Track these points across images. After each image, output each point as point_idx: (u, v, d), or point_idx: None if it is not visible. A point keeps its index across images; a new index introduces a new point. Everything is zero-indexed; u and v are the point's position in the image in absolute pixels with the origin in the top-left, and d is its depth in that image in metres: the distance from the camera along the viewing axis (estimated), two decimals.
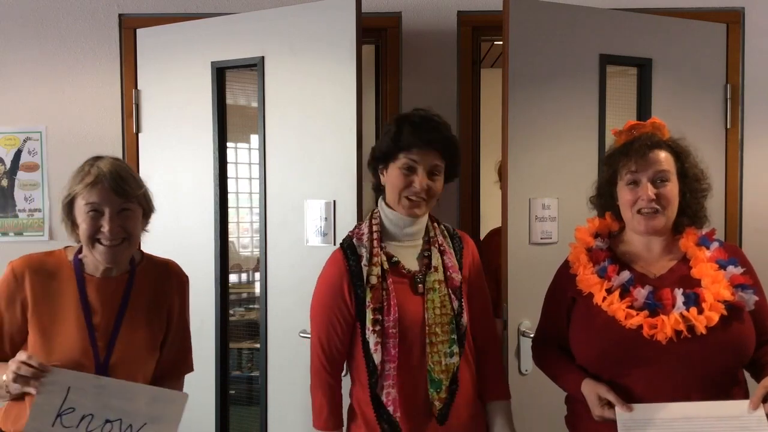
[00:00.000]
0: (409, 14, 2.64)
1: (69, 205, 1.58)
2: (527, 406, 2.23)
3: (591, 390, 1.51)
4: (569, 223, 2.33)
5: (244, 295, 4.29)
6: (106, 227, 1.54)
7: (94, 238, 1.55)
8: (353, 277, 1.65)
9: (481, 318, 1.78)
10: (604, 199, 1.68)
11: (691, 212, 1.59)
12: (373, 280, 1.63)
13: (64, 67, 2.70)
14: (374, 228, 1.69)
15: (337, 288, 1.67)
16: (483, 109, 2.74)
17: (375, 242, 1.67)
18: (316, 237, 2.31)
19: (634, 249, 1.62)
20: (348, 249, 1.69)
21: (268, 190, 2.42)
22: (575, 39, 2.35)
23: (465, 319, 1.69)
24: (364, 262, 1.65)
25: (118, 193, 1.55)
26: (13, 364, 1.42)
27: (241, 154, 3.90)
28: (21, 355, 1.43)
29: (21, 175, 2.72)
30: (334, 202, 2.28)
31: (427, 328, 1.62)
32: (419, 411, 1.62)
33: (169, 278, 1.73)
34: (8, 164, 2.72)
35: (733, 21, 2.59)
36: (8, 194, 2.72)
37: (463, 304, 1.69)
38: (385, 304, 1.62)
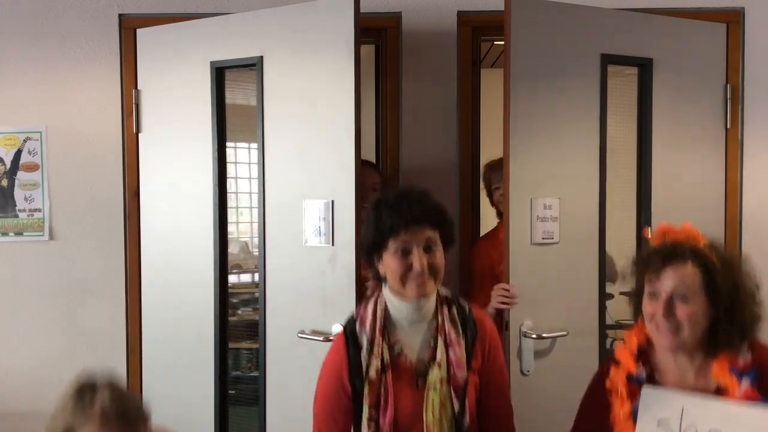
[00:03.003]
0: (409, 14, 2.64)
1: None
2: (528, 406, 2.22)
3: None
4: (571, 223, 2.34)
5: (246, 296, 4.30)
6: None
7: None
8: (352, 369, 1.60)
9: (495, 415, 1.67)
10: (637, 301, 1.54)
11: (723, 332, 1.42)
12: (372, 373, 1.57)
13: (64, 67, 2.70)
14: (378, 313, 1.62)
15: (337, 379, 1.62)
16: (483, 109, 2.74)
17: (378, 330, 1.60)
18: (315, 237, 2.30)
19: (665, 364, 1.51)
20: (350, 336, 1.63)
21: (267, 190, 2.41)
22: (576, 39, 2.35)
23: (466, 420, 1.58)
24: (363, 353, 1.59)
25: None
26: None
27: (244, 154, 3.90)
28: None
29: (21, 175, 2.72)
30: (333, 202, 2.27)
31: (425, 428, 1.55)
32: None
33: None
34: (8, 164, 2.71)
35: (733, 21, 2.59)
36: (8, 194, 2.72)
37: (465, 404, 1.59)
38: (382, 400, 1.56)
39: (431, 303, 1.62)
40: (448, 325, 1.61)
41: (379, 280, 1.67)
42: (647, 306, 1.46)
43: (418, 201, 1.58)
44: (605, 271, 2.39)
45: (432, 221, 1.58)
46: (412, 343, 1.62)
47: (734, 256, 1.49)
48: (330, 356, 1.67)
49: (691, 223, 1.51)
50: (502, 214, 2.51)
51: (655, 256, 1.46)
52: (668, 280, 1.42)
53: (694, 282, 1.41)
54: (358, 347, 1.60)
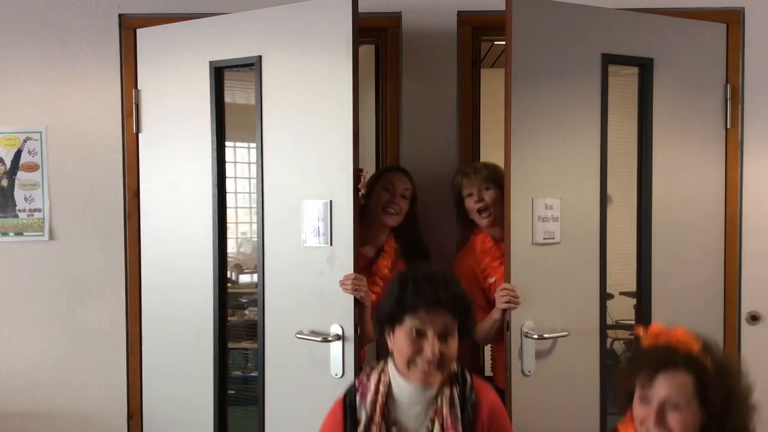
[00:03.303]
0: (409, 14, 2.64)
1: None
2: (530, 406, 2.22)
3: None
4: (572, 223, 2.34)
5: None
6: None
7: None
8: None
9: None
10: (626, 396, 1.53)
11: None
12: None
13: (64, 67, 2.70)
14: (381, 389, 1.59)
15: None
16: (483, 109, 2.74)
17: (378, 408, 1.57)
18: (314, 237, 2.30)
19: None
20: (348, 407, 1.60)
21: (266, 190, 2.41)
22: (577, 38, 2.35)
23: None
24: (360, 429, 1.56)
25: None
26: None
27: (245, 154, 3.90)
28: None
29: (21, 175, 2.72)
30: (331, 202, 2.27)
31: None
32: None
33: None
34: (8, 164, 2.71)
35: (733, 21, 2.59)
36: (8, 194, 2.72)
37: None
38: None
39: (434, 389, 1.59)
40: (446, 410, 1.57)
41: (386, 354, 1.65)
42: (638, 409, 1.45)
43: (445, 285, 1.56)
44: (606, 271, 2.39)
45: (454, 309, 1.55)
46: (409, 424, 1.59)
47: (728, 360, 1.48)
48: (327, 424, 1.64)
49: (685, 328, 1.49)
50: (474, 223, 2.46)
51: (648, 361, 1.45)
52: (661, 388, 1.41)
53: (686, 391, 1.40)
54: (355, 421, 1.57)
